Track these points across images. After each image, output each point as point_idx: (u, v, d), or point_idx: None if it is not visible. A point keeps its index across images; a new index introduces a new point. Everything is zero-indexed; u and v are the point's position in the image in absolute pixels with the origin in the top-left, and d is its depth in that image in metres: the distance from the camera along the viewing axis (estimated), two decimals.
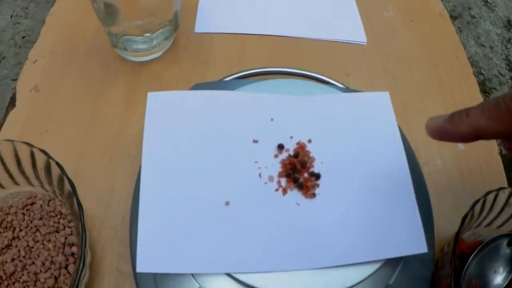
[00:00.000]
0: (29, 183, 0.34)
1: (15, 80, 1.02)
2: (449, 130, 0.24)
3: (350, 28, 0.45)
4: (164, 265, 0.26)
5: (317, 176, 0.29)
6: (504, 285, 0.34)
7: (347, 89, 0.37)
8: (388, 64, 0.44)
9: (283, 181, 0.28)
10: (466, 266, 0.33)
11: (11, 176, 0.34)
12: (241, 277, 0.26)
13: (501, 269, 0.35)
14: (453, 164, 0.38)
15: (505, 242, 0.34)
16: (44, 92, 0.39)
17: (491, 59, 1.18)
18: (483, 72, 1.14)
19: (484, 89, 1.10)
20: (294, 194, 0.28)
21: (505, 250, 0.35)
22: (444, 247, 0.34)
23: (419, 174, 0.34)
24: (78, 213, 0.28)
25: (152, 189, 0.27)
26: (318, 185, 0.29)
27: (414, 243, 0.28)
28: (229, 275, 0.26)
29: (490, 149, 0.40)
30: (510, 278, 0.34)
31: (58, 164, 0.29)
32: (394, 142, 0.30)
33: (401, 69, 0.44)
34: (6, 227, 0.33)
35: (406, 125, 0.37)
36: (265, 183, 0.28)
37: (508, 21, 1.30)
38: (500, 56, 1.21)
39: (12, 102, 0.40)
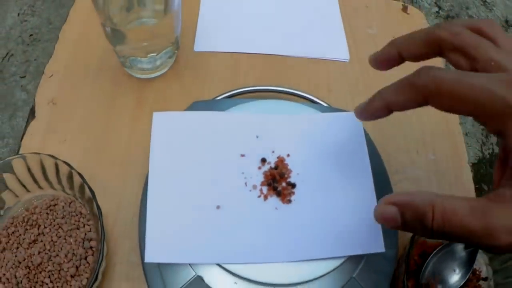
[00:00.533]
0: (52, 187, 0.40)
1: (23, 77, 1.07)
2: (367, 107, 0.30)
3: (335, 46, 0.50)
4: (167, 256, 0.32)
5: (293, 185, 0.34)
6: (461, 284, 0.39)
7: (328, 107, 0.42)
8: (369, 80, 0.49)
9: (265, 189, 0.34)
10: (426, 263, 0.39)
11: (36, 182, 0.39)
12: (230, 267, 0.32)
13: (459, 269, 0.40)
14: (423, 173, 0.43)
15: (461, 246, 0.40)
16: (61, 104, 0.45)
17: None
18: None
19: None
20: (274, 200, 0.34)
21: (462, 253, 0.40)
22: (406, 246, 0.40)
23: (387, 182, 0.39)
24: (98, 214, 0.34)
25: (157, 195, 0.33)
26: (293, 193, 0.34)
27: (374, 244, 0.33)
28: (219, 265, 0.32)
29: (460, 159, 0.44)
30: (467, 277, 0.40)
31: (79, 174, 0.35)
32: (361, 157, 0.36)
33: (380, 85, 0.48)
34: (32, 224, 0.39)
35: (380, 137, 0.41)
36: (250, 190, 0.34)
37: (506, 21, 1.32)
38: None
39: (32, 114, 0.45)
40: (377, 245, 0.33)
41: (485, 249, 0.25)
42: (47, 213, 0.39)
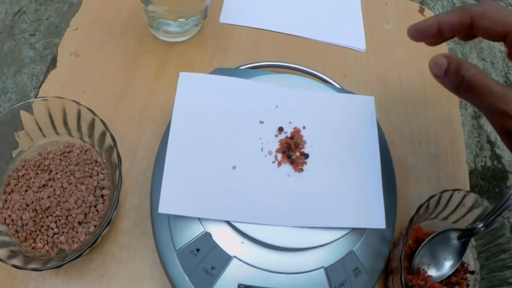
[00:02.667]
0: (69, 134, 0.40)
1: (33, 35, 1.06)
2: (420, 23, 0.34)
3: (353, 35, 0.52)
4: (180, 209, 0.33)
5: (306, 156, 0.36)
6: (450, 273, 0.41)
7: (341, 89, 0.44)
8: (381, 70, 0.51)
9: (279, 156, 0.36)
10: (419, 249, 0.41)
11: (54, 127, 0.40)
12: (238, 226, 0.33)
13: (450, 258, 0.42)
14: (423, 165, 0.45)
15: (455, 234, 0.42)
16: (83, 57, 0.45)
17: (490, 74, 1.21)
18: None
19: None
20: (286, 167, 0.35)
21: (454, 242, 0.42)
22: (402, 230, 0.42)
23: (390, 167, 0.41)
24: (117, 162, 0.35)
25: (177, 149, 0.34)
26: (306, 163, 0.36)
27: (376, 220, 0.35)
28: (228, 223, 0.34)
29: (458, 156, 0.47)
30: (456, 267, 0.42)
31: (102, 121, 0.36)
32: (372, 138, 0.37)
33: (392, 77, 0.51)
34: (43, 169, 0.39)
35: (387, 126, 0.43)
36: (265, 155, 0.35)
37: None
38: (499, 73, 1.26)
39: (53, 63, 0.46)
40: (379, 222, 0.35)
41: (495, 118, 0.31)
42: (60, 159, 0.39)
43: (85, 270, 0.37)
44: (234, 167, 0.35)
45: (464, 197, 0.40)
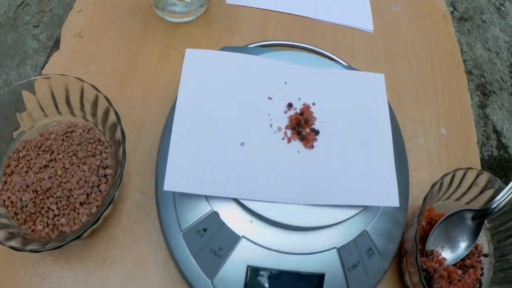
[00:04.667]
0: (72, 113, 0.39)
1: (36, 26, 1.04)
2: None
3: (361, 17, 0.51)
4: (186, 186, 0.32)
5: (317, 132, 0.35)
6: (464, 255, 0.40)
7: (350, 67, 0.43)
8: (389, 52, 0.50)
9: (289, 132, 0.34)
10: (432, 230, 0.40)
11: (56, 106, 0.39)
12: (247, 204, 0.32)
13: (464, 239, 0.41)
14: (434, 146, 0.44)
15: (469, 215, 0.40)
16: (87, 39, 0.45)
17: (495, 64, 1.21)
18: (485, 75, 1.18)
19: (484, 91, 1.15)
20: (296, 144, 0.34)
21: (468, 222, 0.41)
22: (415, 211, 0.41)
23: (402, 148, 0.40)
24: (121, 139, 0.34)
25: (183, 125, 0.33)
26: (316, 139, 0.35)
27: (389, 198, 0.34)
28: (236, 201, 0.32)
29: (469, 139, 0.45)
30: (470, 249, 0.40)
31: (106, 97, 0.35)
32: (382, 113, 0.36)
33: (400, 58, 0.50)
34: (45, 150, 0.38)
35: (397, 106, 0.42)
36: (274, 132, 0.34)
37: None
38: (504, 63, 1.24)
39: (56, 45, 0.45)
40: (392, 200, 0.34)
41: None
42: (63, 140, 0.38)
43: (86, 255, 0.36)
44: (242, 144, 0.33)
45: (477, 176, 0.39)
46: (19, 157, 0.37)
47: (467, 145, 0.44)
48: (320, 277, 0.34)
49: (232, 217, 0.33)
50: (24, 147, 0.38)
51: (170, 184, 0.32)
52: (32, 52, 0.97)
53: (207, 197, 0.33)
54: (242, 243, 0.33)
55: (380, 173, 0.34)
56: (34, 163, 0.37)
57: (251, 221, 0.33)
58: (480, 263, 0.40)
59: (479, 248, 0.41)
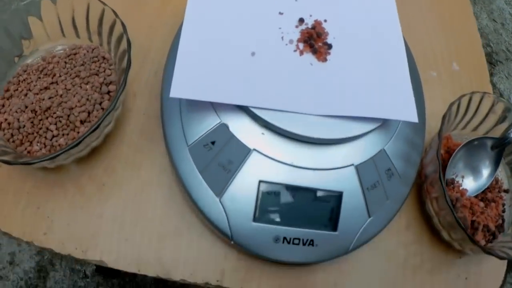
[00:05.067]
0: (76, 35, 0.37)
1: None
2: None
3: None
4: (194, 93, 0.29)
5: (329, 46, 0.33)
6: (486, 184, 0.38)
7: None
8: None
9: (301, 45, 0.33)
10: (451, 158, 0.37)
11: (61, 28, 0.37)
12: (258, 113, 0.30)
13: (484, 169, 0.39)
14: (447, 79, 0.42)
15: (489, 142, 0.38)
16: None
17: (500, 34, 1.21)
18: (491, 44, 1.18)
19: (491, 61, 1.15)
20: (309, 57, 0.33)
21: (488, 151, 0.39)
22: (433, 137, 0.38)
23: (416, 73, 0.38)
24: (127, 47, 0.32)
25: (192, 33, 0.32)
26: (329, 53, 0.33)
27: (406, 112, 0.32)
28: (247, 112, 0.30)
29: (482, 77, 0.44)
30: (492, 179, 0.38)
31: (112, 10, 0.33)
32: (395, 29, 0.35)
33: None
34: (46, 74, 0.36)
35: (409, 40, 0.41)
36: (286, 44, 0.33)
37: None
38: (509, 34, 1.24)
39: None
40: (410, 114, 0.32)
41: None
42: (65, 62, 0.36)
43: (84, 180, 0.34)
44: (253, 54, 0.32)
45: (494, 102, 0.37)
46: (19, 81, 0.36)
47: (480, 81, 0.43)
48: (338, 196, 0.32)
49: (242, 129, 0.31)
50: (25, 71, 0.36)
51: (177, 90, 0.29)
52: None
53: (215, 108, 0.31)
54: (254, 156, 0.31)
55: (396, 86, 0.33)
56: (34, 86, 0.35)
57: (262, 133, 0.31)
58: (501, 198, 0.38)
59: (499, 183, 0.39)
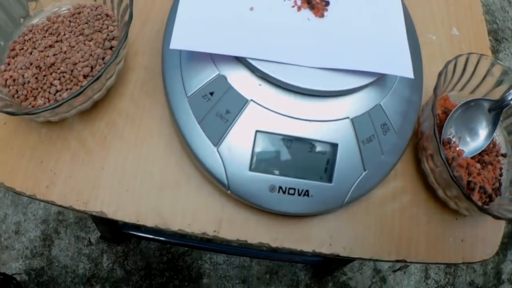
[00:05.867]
0: None
1: None
2: None
3: None
4: (194, 44, 0.30)
5: (327, 3, 0.34)
6: (483, 146, 0.38)
7: None
8: None
9: (299, 1, 0.34)
10: (448, 118, 0.38)
11: None
12: (257, 64, 0.30)
13: (481, 130, 0.39)
14: (446, 43, 0.43)
15: (486, 104, 0.38)
16: None
17: (507, 12, 1.21)
18: (497, 21, 1.18)
19: (496, 38, 1.15)
20: (307, 12, 0.33)
21: (485, 114, 0.39)
22: (429, 98, 0.38)
23: (414, 36, 0.39)
24: (128, 3, 0.32)
25: None
26: (326, 10, 0.34)
27: (402, 67, 0.32)
28: (245, 64, 0.31)
29: (482, 43, 0.44)
30: (489, 142, 0.38)
31: None
32: None
33: None
34: (51, 33, 0.37)
35: (408, 3, 0.41)
36: (284, 0, 0.34)
37: None
38: None
39: None
40: (406, 69, 0.32)
41: None
42: (70, 21, 0.37)
43: (86, 134, 0.35)
44: (251, 8, 0.33)
45: (492, 64, 0.37)
46: (24, 40, 0.37)
47: (480, 48, 0.43)
48: (334, 147, 0.32)
49: (240, 80, 0.32)
50: (30, 31, 0.37)
51: (177, 42, 0.30)
52: None
53: (214, 60, 0.32)
54: (251, 106, 0.32)
55: (393, 42, 0.33)
56: (39, 44, 0.36)
57: (260, 85, 0.32)
58: (499, 162, 0.39)
59: (496, 146, 0.39)
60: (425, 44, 0.40)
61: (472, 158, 0.37)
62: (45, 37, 0.37)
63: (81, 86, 0.34)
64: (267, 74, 0.31)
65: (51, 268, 0.81)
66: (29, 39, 0.37)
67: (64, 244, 0.83)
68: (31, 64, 0.35)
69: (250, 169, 0.31)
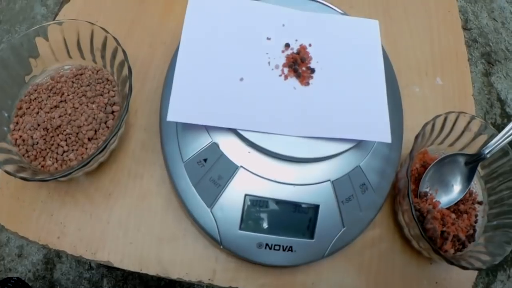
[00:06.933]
0: (82, 57, 0.41)
1: None
2: None
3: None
4: (188, 117, 0.33)
5: (312, 70, 0.36)
6: (458, 198, 0.41)
7: (347, 14, 0.43)
8: (388, 5, 0.50)
9: (286, 70, 0.36)
10: (426, 172, 0.40)
11: (67, 50, 0.41)
12: (246, 135, 0.33)
13: (457, 183, 0.42)
14: (430, 94, 0.45)
15: (463, 159, 0.41)
16: None
17: (500, 34, 1.21)
18: (491, 44, 1.18)
19: (489, 60, 1.15)
20: (293, 81, 0.36)
21: (462, 167, 0.42)
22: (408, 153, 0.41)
23: (396, 91, 0.41)
24: (127, 74, 0.36)
25: (186, 61, 0.35)
26: (312, 77, 0.36)
27: (381, 134, 0.35)
28: (235, 133, 0.34)
29: (465, 90, 0.46)
30: (465, 193, 0.41)
31: (114, 38, 0.36)
32: (376, 55, 0.38)
33: (398, 11, 0.50)
34: (55, 92, 0.40)
35: (394, 55, 0.43)
36: (272, 69, 0.36)
37: None
38: (510, 33, 1.23)
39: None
40: (384, 135, 0.35)
41: None
42: (73, 82, 0.40)
43: (93, 191, 0.38)
44: (241, 79, 0.35)
45: (470, 121, 0.40)
46: (30, 99, 0.39)
47: (463, 95, 0.45)
48: (315, 208, 0.36)
49: (231, 148, 0.35)
50: (35, 90, 0.40)
51: (173, 115, 0.33)
52: (40, 18, 0.98)
53: (207, 129, 0.35)
54: (240, 172, 0.35)
55: (373, 110, 0.36)
56: (45, 104, 0.39)
57: (249, 152, 0.35)
58: (474, 210, 0.41)
59: (473, 195, 0.42)
60: (408, 96, 0.42)
61: (448, 208, 0.40)
62: (49, 96, 0.39)
63: (87, 148, 0.37)
64: (255, 143, 0.34)
65: None
66: (35, 98, 0.40)
67: (66, 268, 0.86)
68: (39, 125, 0.38)
69: (240, 228, 0.35)
